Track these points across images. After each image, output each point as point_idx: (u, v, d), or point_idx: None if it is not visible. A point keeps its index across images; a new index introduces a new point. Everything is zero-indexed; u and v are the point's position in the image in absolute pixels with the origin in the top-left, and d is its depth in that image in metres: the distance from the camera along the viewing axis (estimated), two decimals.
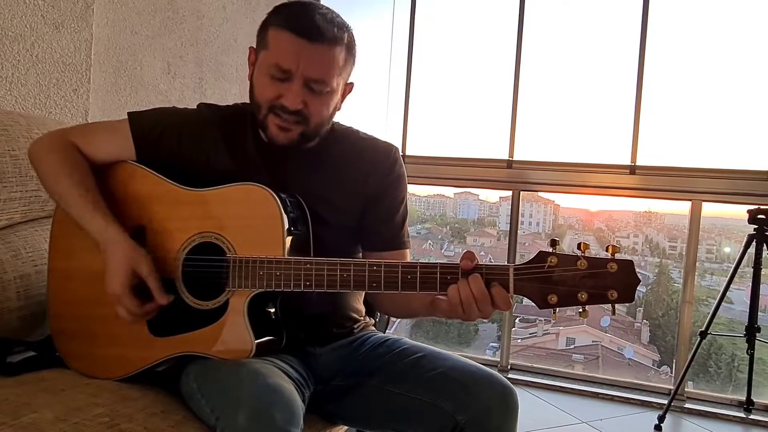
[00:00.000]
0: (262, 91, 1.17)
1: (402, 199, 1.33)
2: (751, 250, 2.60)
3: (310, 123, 1.17)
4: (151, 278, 1.12)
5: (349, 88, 1.26)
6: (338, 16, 1.19)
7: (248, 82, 1.24)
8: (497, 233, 4.31)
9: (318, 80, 1.14)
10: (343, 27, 1.17)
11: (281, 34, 1.14)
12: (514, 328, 3.64)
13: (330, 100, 1.19)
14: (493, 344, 3.84)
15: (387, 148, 1.32)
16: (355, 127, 1.35)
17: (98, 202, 1.18)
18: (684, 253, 3.08)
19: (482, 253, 4.17)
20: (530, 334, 4.14)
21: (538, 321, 4.10)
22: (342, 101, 1.26)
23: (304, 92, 1.14)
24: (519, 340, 4.00)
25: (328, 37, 1.13)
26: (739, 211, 2.69)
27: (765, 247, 2.56)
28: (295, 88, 1.13)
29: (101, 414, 1.04)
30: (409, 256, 1.34)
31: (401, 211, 1.32)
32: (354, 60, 1.23)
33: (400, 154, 1.33)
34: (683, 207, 3.06)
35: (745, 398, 2.77)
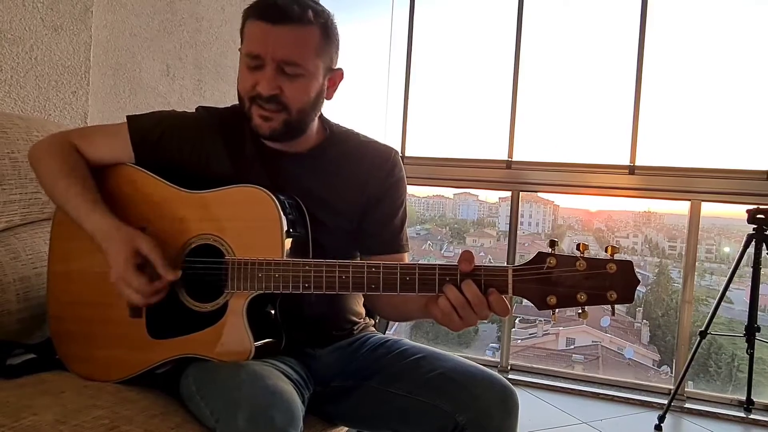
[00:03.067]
0: (241, 84, 1.18)
1: (401, 202, 1.32)
2: (751, 249, 2.60)
3: (290, 110, 1.16)
4: (154, 254, 1.11)
5: (338, 75, 1.24)
6: (313, 1, 1.18)
7: None
8: (497, 234, 4.31)
9: (289, 61, 1.13)
10: (313, 8, 1.16)
11: (250, 23, 1.16)
12: (513, 329, 3.65)
13: (308, 84, 1.17)
14: (493, 345, 3.83)
15: (387, 152, 1.31)
16: (355, 129, 1.34)
17: (96, 200, 1.18)
18: (683, 253, 3.08)
19: (482, 253, 4.16)
20: (530, 334, 4.14)
21: (537, 322, 4.09)
22: (332, 90, 1.25)
23: (278, 77, 1.14)
24: (519, 341, 4.00)
25: (293, 17, 1.12)
26: (738, 211, 2.69)
27: (764, 246, 2.56)
28: (268, 74, 1.13)
29: (101, 416, 1.04)
30: (408, 260, 1.32)
31: (400, 214, 1.32)
32: (336, 45, 1.21)
33: (400, 157, 1.33)
34: (683, 207, 3.06)
35: (745, 398, 2.77)
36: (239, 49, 1.21)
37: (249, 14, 1.16)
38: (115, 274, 1.11)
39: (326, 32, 1.17)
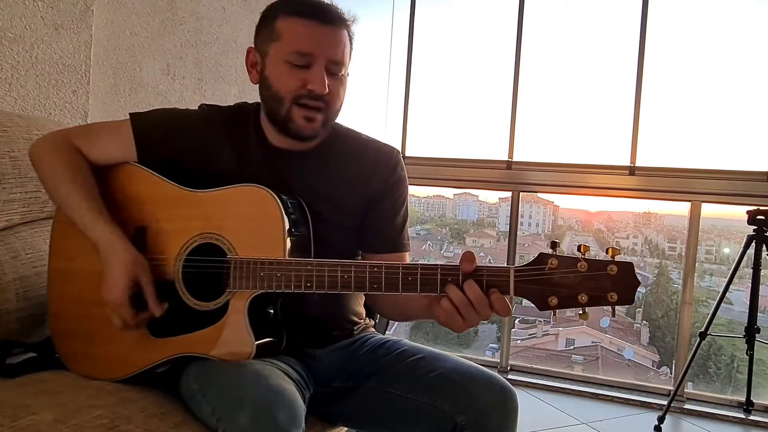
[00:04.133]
0: (284, 83, 1.15)
1: (403, 201, 1.32)
2: (751, 250, 2.60)
3: (330, 109, 1.18)
4: (150, 288, 1.12)
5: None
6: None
7: (252, 84, 1.23)
8: (497, 234, 4.32)
9: (337, 61, 1.15)
10: (345, 14, 1.20)
11: (293, 20, 1.14)
12: (513, 330, 3.65)
13: (345, 86, 1.20)
14: (493, 345, 3.84)
15: (389, 151, 1.31)
16: (356, 129, 1.35)
17: (100, 208, 1.17)
18: (683, 254, 3.08)
19: (482, 254, 4.17)
20: (530, 335, 4.14)
21: (537, 322, 4.10)
22: None
23: (326, 76, 1.14)
24: (518, 341, 4.00)
25: (337, 19, 1.16)
26: (738, 212, 2.69)
27: (764, 247, 2.56)
28: (321, 72, 1.13)
29: (100, 416, 1.04)
30: (409, 259, 1.33)
31: (402, 213, 1.32)
32: (352, 51, 1.24)
33: (402, 156, 1.33)
34: (683, 208, 3.06)
35: (744, 399, 2.77)
36: (250, 48, 1.21)
37: (287, 11, 1.15)
38: (109, 295, 1.12)
39: (351, 39, 1.21)
